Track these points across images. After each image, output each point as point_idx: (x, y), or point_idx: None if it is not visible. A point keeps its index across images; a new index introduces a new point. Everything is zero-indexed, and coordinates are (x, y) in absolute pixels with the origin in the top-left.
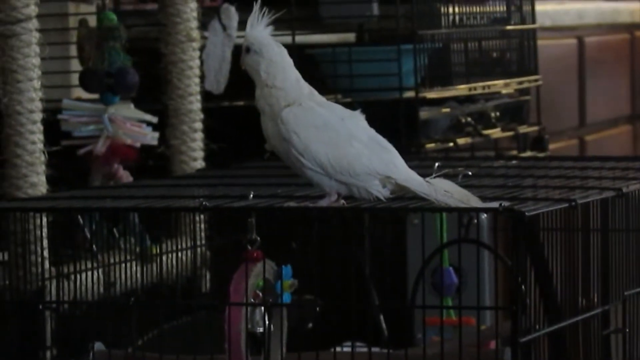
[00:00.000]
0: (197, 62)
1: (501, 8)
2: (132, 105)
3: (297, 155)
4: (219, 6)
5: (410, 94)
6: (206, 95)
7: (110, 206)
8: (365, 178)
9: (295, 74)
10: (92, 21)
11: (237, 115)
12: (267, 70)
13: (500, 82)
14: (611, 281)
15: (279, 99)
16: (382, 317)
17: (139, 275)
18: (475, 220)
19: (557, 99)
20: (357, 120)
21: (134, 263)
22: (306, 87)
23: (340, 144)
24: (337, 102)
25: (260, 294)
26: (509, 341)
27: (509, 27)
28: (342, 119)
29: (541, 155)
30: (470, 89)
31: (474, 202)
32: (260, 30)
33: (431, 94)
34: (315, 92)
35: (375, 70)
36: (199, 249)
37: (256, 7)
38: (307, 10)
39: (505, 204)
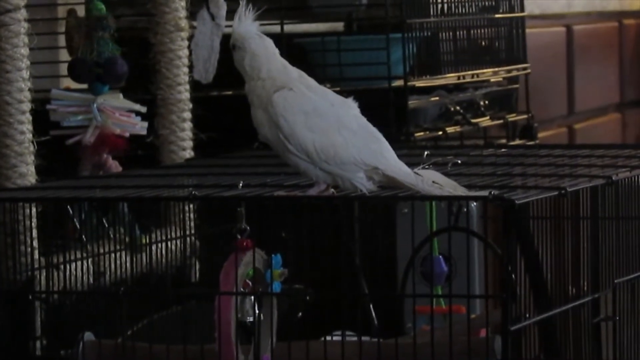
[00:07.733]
0: (186, 51)
1: None
2: (121, 95)
3: (283, 140)
4: None
5: (399, 82)
6: (195, 85)
7: (99, 196)
8: (350, 168)
9: (280, 62)
10: (81, 11)
11: (226, 104)
12: (251, 64)
13: (489, 70)
14: (601, 269)
15: (266, 88)
16: (372, 306)
17: (128, 265)
18: (465, 209)
19: (546, 87)
20: (348, 107)
21: (123, 253)
22: (295, 72)
23: (329, 132)
24: None
25: (250, 283)
26: (499, 329)
27: (497, 16)
28: (332, 105)
29: (530, 143)
30: (459, 78)
31: (462, 193)
32: (245, 25)
33: (420, 83)
34: (305, 75)
35: (364, 59)
36: (188, 239)
37: (242, 2)
38: (296, 0)
39: (495, 192)
